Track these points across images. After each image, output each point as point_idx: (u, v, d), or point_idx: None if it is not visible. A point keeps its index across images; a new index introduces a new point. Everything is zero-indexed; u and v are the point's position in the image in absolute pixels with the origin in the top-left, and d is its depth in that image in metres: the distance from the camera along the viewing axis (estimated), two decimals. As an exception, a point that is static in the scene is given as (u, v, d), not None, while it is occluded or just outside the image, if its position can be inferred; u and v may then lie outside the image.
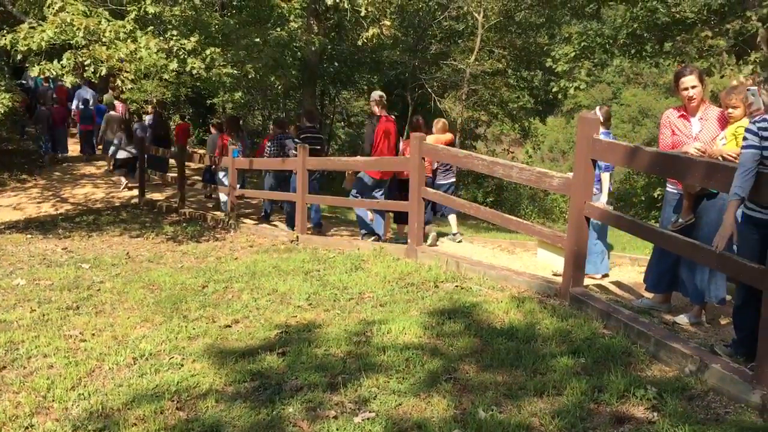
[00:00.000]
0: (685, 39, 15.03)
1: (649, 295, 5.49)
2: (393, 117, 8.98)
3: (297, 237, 8.89)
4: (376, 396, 3.62)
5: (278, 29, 12.50)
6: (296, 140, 10.35)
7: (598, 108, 6.95)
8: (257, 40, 10.58)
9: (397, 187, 8.69)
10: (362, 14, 11.39)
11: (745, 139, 3.69)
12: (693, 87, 4.85)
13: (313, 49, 14.37)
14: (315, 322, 5.00)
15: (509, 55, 23.20)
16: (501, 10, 21.99)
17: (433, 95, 21.44)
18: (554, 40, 22.39)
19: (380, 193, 8.59)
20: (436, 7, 21.95)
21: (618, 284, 6.28)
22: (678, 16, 16.03)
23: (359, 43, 12.20)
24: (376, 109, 8.54)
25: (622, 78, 43.94)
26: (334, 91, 24.78)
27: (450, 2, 21.53)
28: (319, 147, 10.08)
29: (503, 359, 4.04)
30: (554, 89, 16.52)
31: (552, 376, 3.78)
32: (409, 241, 7.18)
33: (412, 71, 21.49)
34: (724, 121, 4.71)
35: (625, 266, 7.33)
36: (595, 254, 6.47)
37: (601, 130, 6.66)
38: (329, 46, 18.55)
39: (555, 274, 6.46)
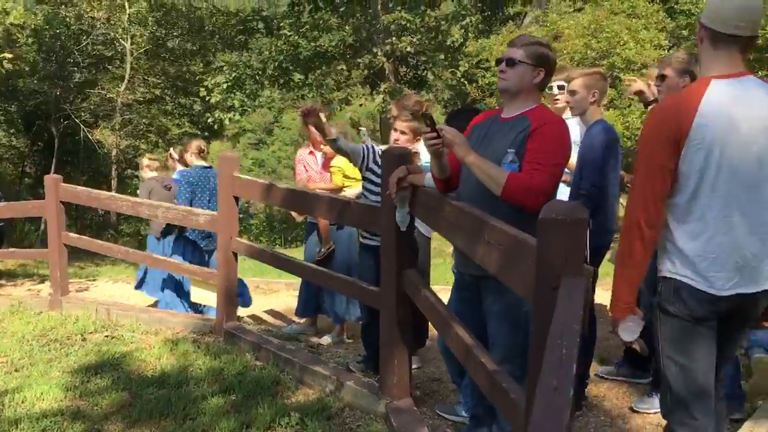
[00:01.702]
0: (325, 72, 16.38)
1: (300, 320, 5.84)
2: None
3: None
4: (4, 481, 3.26)
5: None
6: None
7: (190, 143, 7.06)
8: None
9: None
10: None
11: None
12: None
13: None
14: (-70, 404, 4.31)
15: (164, 83, 22.73)
16: (150, 37, 21.45)
17: (82, 126, 20.02)
18: (210, 68, 22.50)
19: None
20: (79, 32, 20.55)
21: (271, 312, 6.55)
22: (319, 50, 17.41)
23: (-22, 74, 10.88)
24: None
25: (278, 104, 46.08)
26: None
27: (93, 28, 20.33)
28: None
29: (152, 410, 3.92)
30: (210, 119, 16.72)
31: (202, 419, 3.78)
32: (52, 291, 6.61)
33: (55, 101, 19.80)
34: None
35: (281, 291, 7.66)
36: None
37: (196, 162, 6.68)
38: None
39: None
